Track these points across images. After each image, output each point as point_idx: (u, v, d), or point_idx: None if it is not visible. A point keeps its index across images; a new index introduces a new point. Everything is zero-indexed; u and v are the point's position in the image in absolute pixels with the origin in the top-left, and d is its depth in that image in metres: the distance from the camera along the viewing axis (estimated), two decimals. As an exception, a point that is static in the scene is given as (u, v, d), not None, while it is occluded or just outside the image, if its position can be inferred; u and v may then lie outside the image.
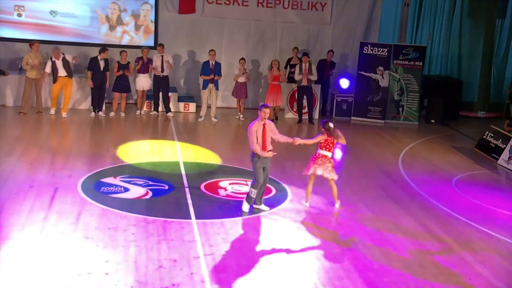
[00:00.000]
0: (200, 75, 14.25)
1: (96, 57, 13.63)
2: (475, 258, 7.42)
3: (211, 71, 13.94)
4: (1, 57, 14.72)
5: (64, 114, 13.67)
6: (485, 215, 9.05)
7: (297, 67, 14.54)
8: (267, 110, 8.18)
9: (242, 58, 14.51)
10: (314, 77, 14.57)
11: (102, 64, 13.60)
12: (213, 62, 13.99)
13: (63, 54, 13.51)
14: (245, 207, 8.39)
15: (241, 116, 14.55)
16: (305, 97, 14.70)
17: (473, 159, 12.34)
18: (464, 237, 8.05)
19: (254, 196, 8.38)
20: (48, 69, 13.42)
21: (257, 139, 8.14)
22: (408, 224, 8.40)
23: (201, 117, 14.29)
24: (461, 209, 9.12)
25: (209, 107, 14.25)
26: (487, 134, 12.77)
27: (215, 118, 14.25)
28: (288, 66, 15.14)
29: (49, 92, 13.96)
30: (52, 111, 13.68)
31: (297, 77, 14.52)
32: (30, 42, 13.68)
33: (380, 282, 6.61)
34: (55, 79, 13.47)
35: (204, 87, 14.11)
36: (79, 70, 14.97)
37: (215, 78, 14.03)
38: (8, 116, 13.35)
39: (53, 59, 13.41)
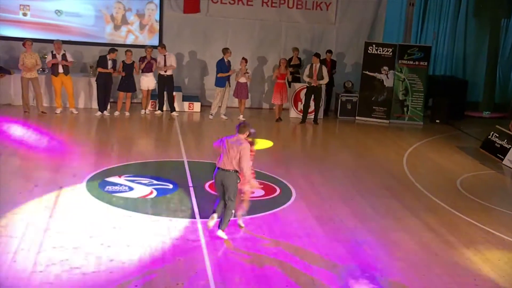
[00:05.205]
0: (217, 74, 14.23)
1: (105, 56, 13.66)
2: (480, 258, 7.40)
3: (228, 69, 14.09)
4: (7, 56, 14.77)
5: (74, 110, 13.78)
6: (490, 215, 9.03)
7: (308, 67, 14.49)
8: None
9: (244, 58, 14.46)
10: (325, 80, 14.47)
11: (109, 64, 13.62)
12: (228, 59, 14.10)
13: (64, 50, 13.53)
14: (223, 234, 7.40)
15: (241, 116, 14.52)
16: (312, 97, 14.64)
17: (478, 159, 12.31)
18: (469, 237, 8.04)
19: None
20: (49, 58, 13.49)
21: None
22: (412, 224, 8.39)
23: (211, 114, 14.35)
24: (466, 209, 9.09)
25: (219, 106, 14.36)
26: (492, 134, 12.72)
27: (224, 115, 14.33)
28: (289, 67, 15.10)
29: (48, 90, 14.03)
30: (58, 111, 13.72)
31: (305, 77, 14.46)
32: (24, 41, 13.62)
33: (384, 282, 6.60)
34: (55, 73, 13.50)
35: (222, 85, 14.17)
36: (84, 69, 15.04)
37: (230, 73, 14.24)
38: (14, 115, 13.37)
39: (54, 52, 13.47)
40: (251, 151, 7.56)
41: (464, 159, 12.31)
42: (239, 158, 7.19)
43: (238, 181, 7.36)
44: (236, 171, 7.27)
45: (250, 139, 7.55)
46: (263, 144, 8.03)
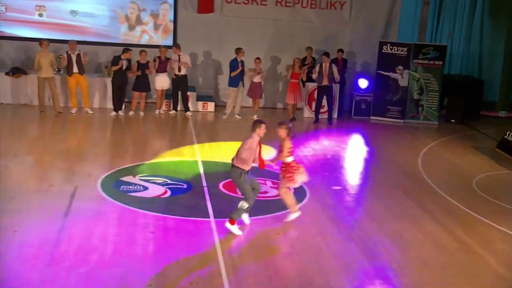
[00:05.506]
0: (230, 73, 14.31)
1: (119, 56, 13.73)
2: (497, 259, 7.33)
3: (240, 67, 14.16)
4: (23, 57, 14.91)
5: (89, 110, 13.88)
6: (507, 215, 8.94)
7: (317, 66, 14.47)
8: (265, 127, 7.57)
9: (258, 58, 14.47)
10: (336, 79, 14.48)
11: (124, 64, 13.68)
12: (241, 59, 14.12)
13: (79, 51, 13.63)
14: (236, 229, 7.47)
15: (255, 116, 14.50)
16: (324, 96, 14.61)
17: (494, 159, 12.19)
18: (485, 238, 7.96)
19: (246, 209, 7.60)
20: (64, 58, 13.61)
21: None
22: (427, 225, 8.33)
23: (225, 114, 14.39)
24: (482, 210, 9.00)
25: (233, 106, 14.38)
26: (509, 134, 12.60)
27: (238, 115, 14.36)
28: (303, 66, 15.08)
29: (63, 90, 14.11)
30: (73, 111, 13.82)
31: (314, 75, 14.46)
32: (40, 41, 13.74)
33: (399, 282, 6.56)
34: (70, 73, 13.60)
35: (235, 84, 14.22)
36: (99, 69, 15.13)
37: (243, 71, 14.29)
38: (30, 115, 13.50)
39: (69, 52, 13.57)
40: (290, 147, 7.76)
41: (479, 159, 12.20)
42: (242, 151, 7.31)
43: (240, 178, 7.43)
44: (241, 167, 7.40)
45: (286, 136, 7.72)
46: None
